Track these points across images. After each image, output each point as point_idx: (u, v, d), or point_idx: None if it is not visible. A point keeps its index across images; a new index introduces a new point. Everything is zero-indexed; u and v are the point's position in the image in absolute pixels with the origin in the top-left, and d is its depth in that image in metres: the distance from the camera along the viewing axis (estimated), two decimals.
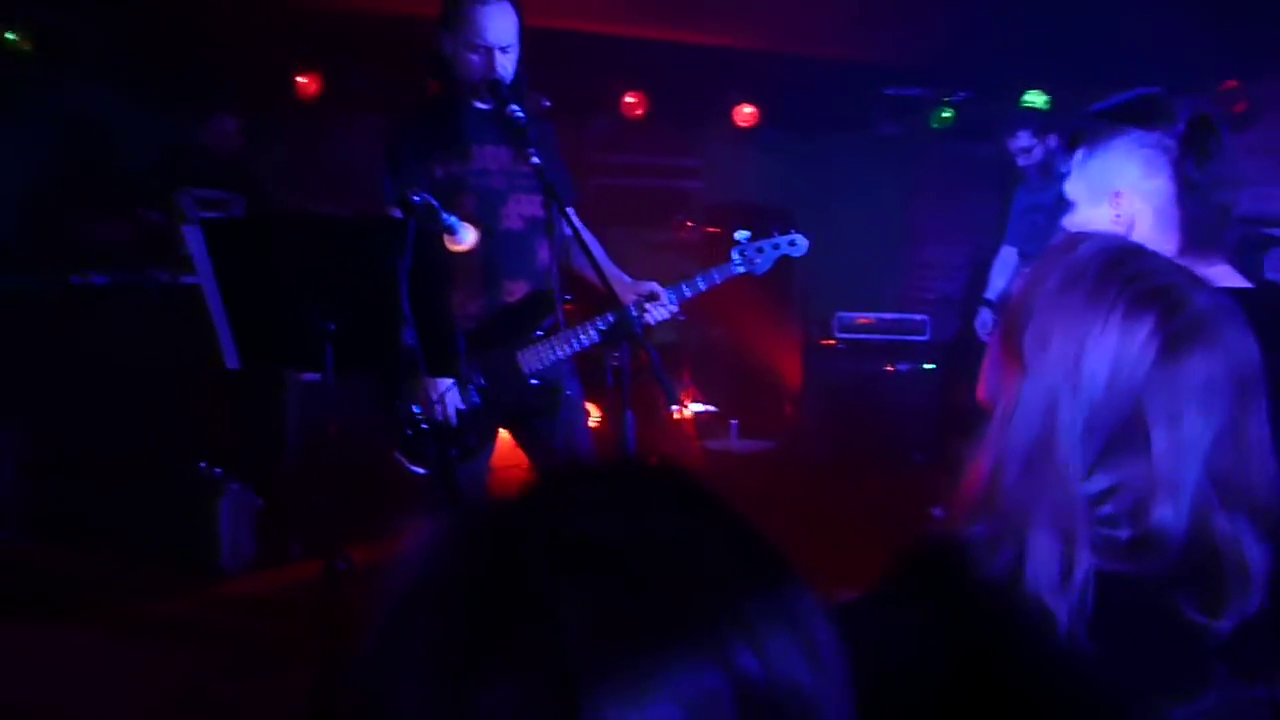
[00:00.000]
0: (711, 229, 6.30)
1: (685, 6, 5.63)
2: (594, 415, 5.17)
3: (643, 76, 6.50)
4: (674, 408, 2.13)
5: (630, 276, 2.89)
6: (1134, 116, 1.67)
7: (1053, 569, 0.97)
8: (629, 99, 6.42)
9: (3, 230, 5.68)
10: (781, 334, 7.04)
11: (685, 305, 6.15)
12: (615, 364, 2.50)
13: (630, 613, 0.50)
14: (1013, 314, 1.10)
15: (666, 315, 2.83)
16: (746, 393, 6.83)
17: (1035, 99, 6.14)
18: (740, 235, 2.93)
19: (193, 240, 2.08)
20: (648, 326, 2.60)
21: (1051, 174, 4.86)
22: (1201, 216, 1.64)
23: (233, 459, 4.17)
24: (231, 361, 2.26)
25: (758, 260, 2.95)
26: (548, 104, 6.25)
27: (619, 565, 0.51)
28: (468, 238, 2.42)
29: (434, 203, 2.26)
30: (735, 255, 2.93)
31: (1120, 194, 1.64)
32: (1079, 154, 1.71)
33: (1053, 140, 4.86)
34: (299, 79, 5.74)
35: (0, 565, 4.00)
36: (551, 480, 0.60)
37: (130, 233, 4.91)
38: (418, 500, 2.98)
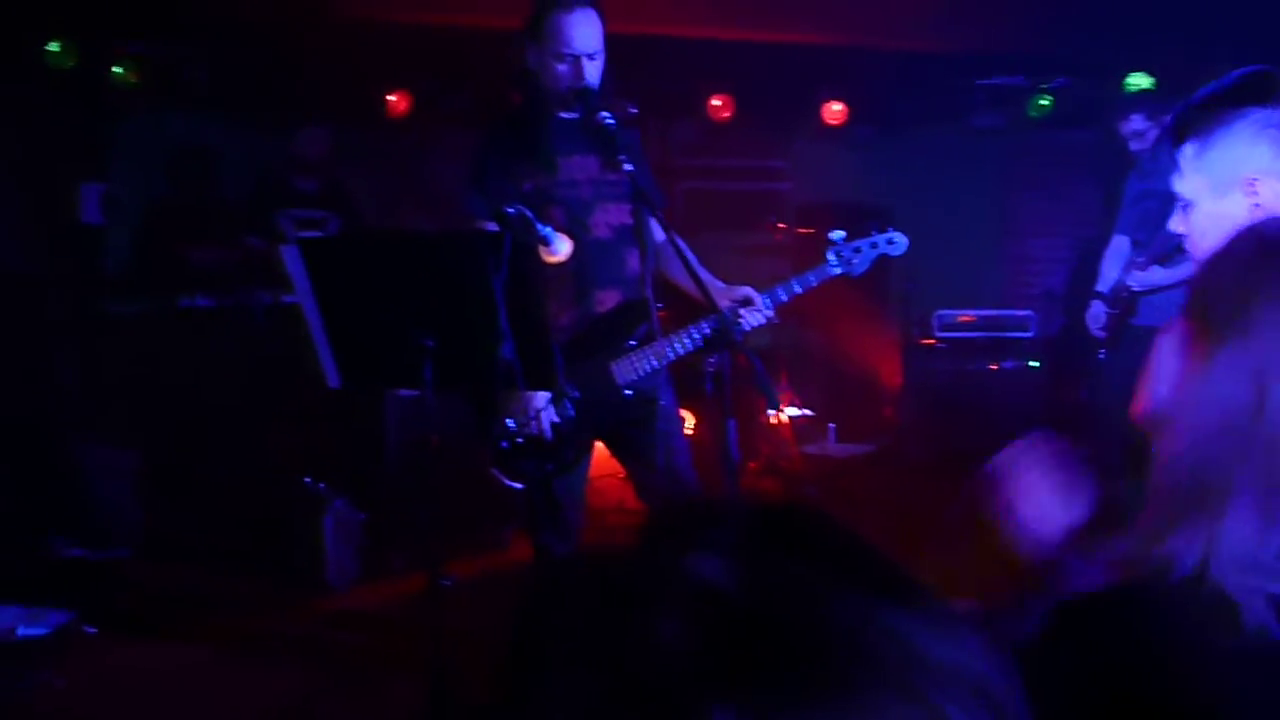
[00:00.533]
0: (804, 230, 6.19)
1: (769, 5, 5.55)
2: (689, 422, 5.13)
3: (729, 78, 6.43)
4: (771, 412, 2.08)
5: (723, 282, 2.83)
6: (1251, 95, 1.54)
7: (1248, 548, 0.90)
8: (715, 102, 6.35)
9: (116, 257, 5.91)
10: (879, 334, 6.89)
11: (780, 308, 6.09)
12: (713, 370, 2.44)
13: (788, 695, 0.44)
14: (1200, 294, 1.02)
15: (762, 320, 2.76)
16: (844, 396, 6.69)
17: (1140, 81, 5.88)
18: (835, 235, 2.85)
19: (290, 260, 2.10)
20: (745, 332, 2.53)
21: (1165, 158, 4.62)
22: None
23: (336, 474, 4.24)
24: (333, 380, 2.27)
25: (855, 260, 2.87)
26: (634, 110, 6.25)
27: (767, 635, 0.45)
28: (563, 248, 2.39)
29: (529, 214, 2.24)
30: (831, 256, 2.85)
31: (1256, 180, 1.51)
32: (1189, 147, 1.57)
33: (1168, 121, 4.61)
34: (389, 98, 5.82)
35: (115, 583, 4.11)
36: (676, 525, 0.54)
37: (233, 257, 5.05)
38: (516, 514, 2.97)
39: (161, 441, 4.66)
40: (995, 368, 6.06)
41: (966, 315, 6.20)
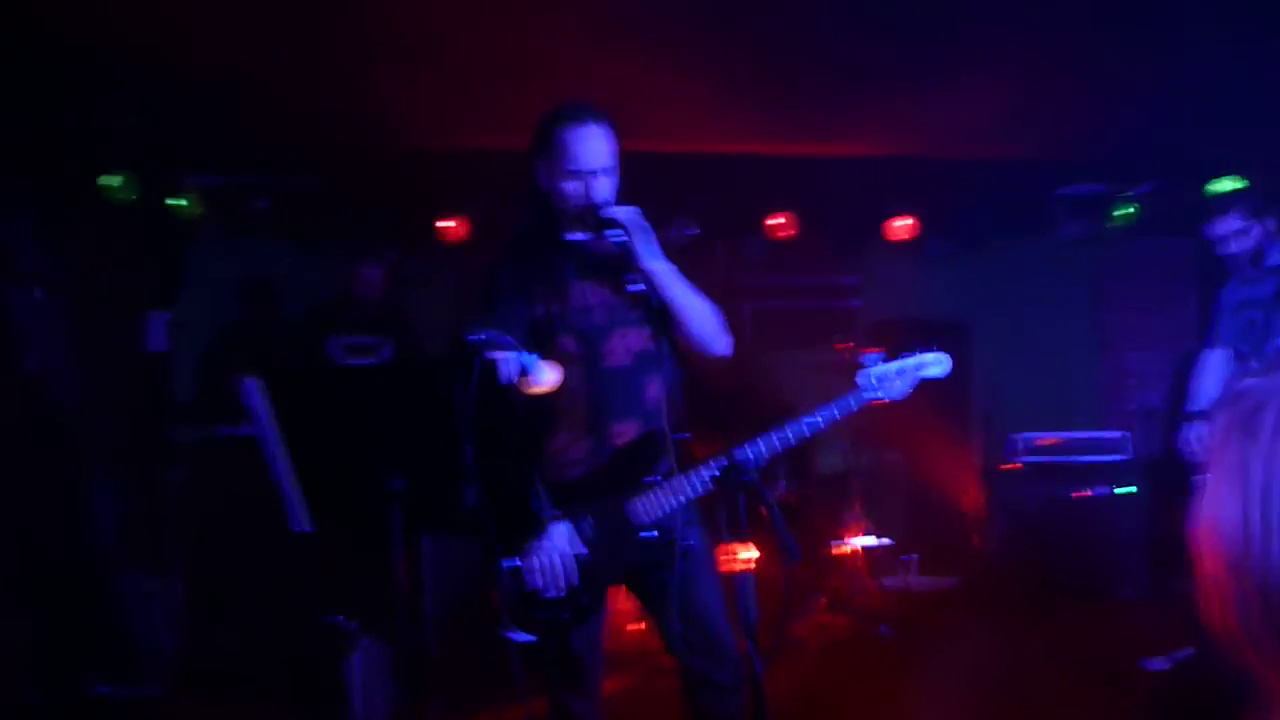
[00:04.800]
0: (871, 350, 5.90)
1: (832, 120, 5.42)
2: (751, 555, 4.79)
3: (793, 195, 6.28)
4: (791, 564, 1.85)
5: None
6: None
7: None
8: (778, 220, 6.19)
9: (182, 385, 5.95)
10: (962, 459, 6.49)
11: (856, 430, 5.76)
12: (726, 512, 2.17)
13: None
14: None
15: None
16: (926, 524, 6.27)
17: (1231, 185, 5.52)
18: (869, 358, 2.59)
19: (251, 393, 1.93)
20: (766, 470, 2.25)
21: (1267, 264, 4.23)
22: None
23: (368, 613, 4.04)
24: (301, 523, 2.08)
25: (896, 384, 2.60)
26: (695, 231, 6.13)
27: None
28: (547, 377, 2.18)
29: (504, 339, 2.04)
30: (862, 380, 2.59)
31: None
32: None
33: (1272, 223, 4.24)
34: (448, 223, 5.82)
35: None
36: None
37: None
38: (531, 667, 2.69)
39: (205, 572, 4.57)
40: (1087, 493, 5.58)
41: (1049, 437, 5.77)
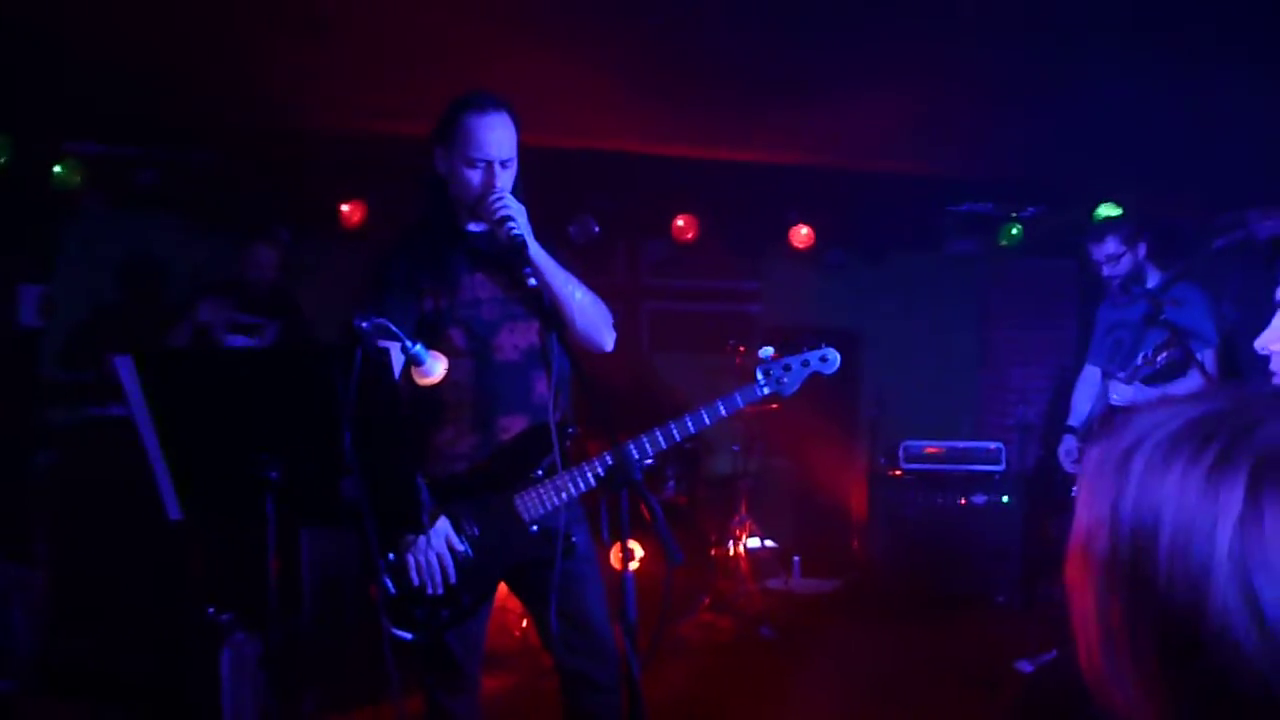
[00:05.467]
0: (763, 347, 5.98)
1: (739, 126, 5.47)
2: (637, 555, 4.81)
3: (698, 199, 6.32)
4: (674, 564, 1.86)
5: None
6: None
7: None
8: (680, 222, 6.22)
9: (53, 364, 5.68)
10: (848, 465, 6.63)
11: (746, 433, 5.83)
12: (607, 510, 2.16)
13: None
14: None
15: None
16: (811, 528, 6.39)
17: (1110, 211, 5.77)
18: (764, 353, 2.63)
19: (123, 372, 1.85)
20: (654, 471, 2.25)
21: (1136, 289, 4.43)
22: None
23: (242, 606, 3.90)
24: (172, 511, 1.99)
25: (785, 379, 2.65)
26: (597, 229, 6.12)
27: None
28: (437, 369, 2.15)
29: (392, 327, 2.00)
30: (760, 375, 2.63)
31: None
32: None
33: (1142, 249, 4.44)
34: (343, 207, 5.68)
35: None
36: None
37: None
38: (409, 665, 2.64)
39: (64, 561, 4.35)
40: (965, 502, 5.76)
41: (934, 446, 5.94)
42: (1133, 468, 0.66)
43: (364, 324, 1.86)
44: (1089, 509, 0.69)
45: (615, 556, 4.90)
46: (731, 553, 5.51)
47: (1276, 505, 0.60)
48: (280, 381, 1.83)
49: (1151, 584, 0.64)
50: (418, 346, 2.11)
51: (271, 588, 1.86)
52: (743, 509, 5.61)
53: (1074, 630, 0.72)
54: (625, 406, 4.60)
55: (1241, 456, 0.62)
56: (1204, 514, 0.62)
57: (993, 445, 5.99)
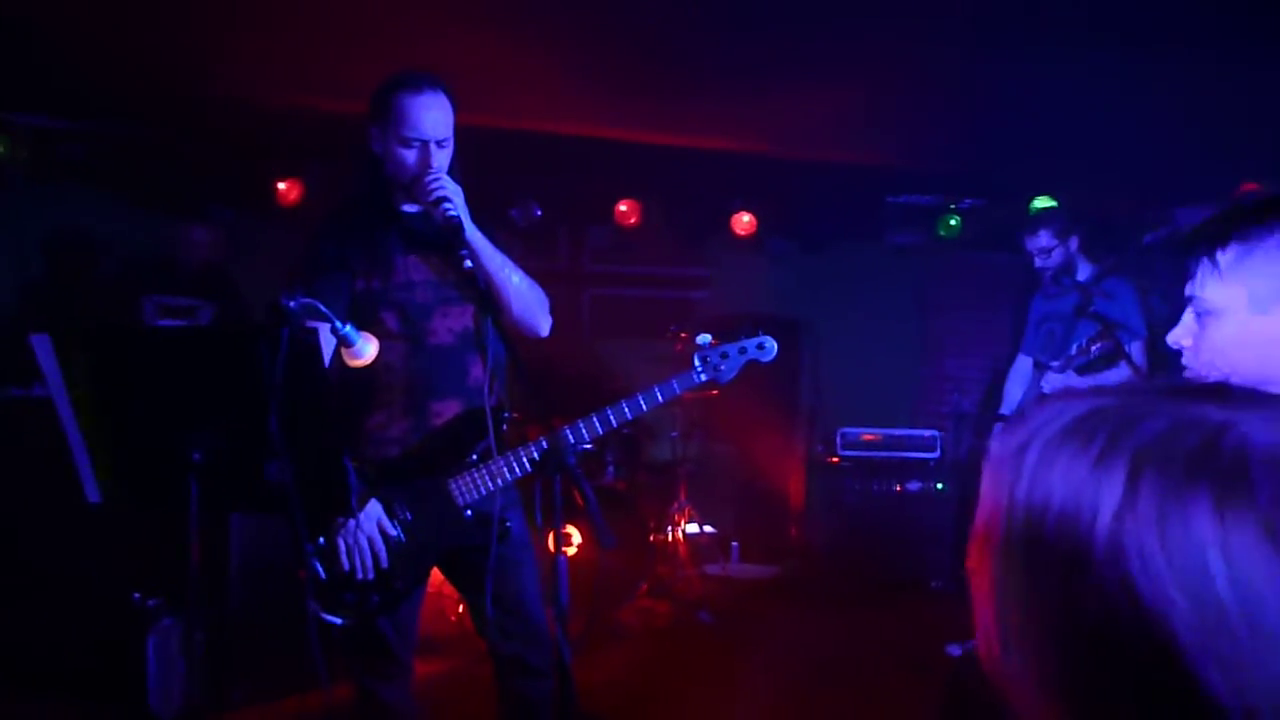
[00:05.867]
0: (701, 334, 6.00)
1: (685, 112, 5.46)
2: (575, 540, 4.80)
3: (643, 184, 6.31)
4: (608, 549, 1.85)
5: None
6: None
7: None
8: (623, 207, 6.21)
9: None
10: (788, 451, 6.68)
11: (686, 419, 5.84)
12: (541, 496, 2.15)
13: None
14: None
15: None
16: (750, 514, 6.43)
17: (1045, 205, 5.87)
18: (702, 340, 2.63)
19: (40, 351, 1.79)
20: (581, 454, 2.23)
21: (1067, 281, 4.52)
22: None
23: (168, 591, 3.82)
24: (91, 494, 1.94)
25: (722, 367, 2.65)
26: (539, 212, 6.08)
27: None
28: (368, 350, 2.11)
29: (321, 308, 1.96)
30: (697, 362, 2.63)
31: None
32: (1229, 252, 1.37)
33: (1074, 242, 4.53)
34: (280, 185, 5.57)
35: None
36: None
37: None
38: (340, 651, 2.60)
39: None
40: (900, 489, 5.84)
41: (871, 434, 6.01)
42: (1026, 460, 0.69)
43: (290, 304, 1.82)
44: (988, 499, 0.72)
45: (549, 542, 4.89)
46: (670, 538, 5.53)
47: (1151, 494, 0.63)
48: (204, 361, 1.78)
49: (1041, 570, 0.67)
50: (348, 327, 2.07)
51: (193, 572, 1.82)
52: (682, 495, 5.64)
53: (974, 618, 0.74)
54: (567, 392, 4.58)
55: (1122, 449, 0.65)
56: (1088, 502, 0.65)
57: (928, 433, 6.07)
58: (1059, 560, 0.65)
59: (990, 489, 0.73)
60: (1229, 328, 1.37)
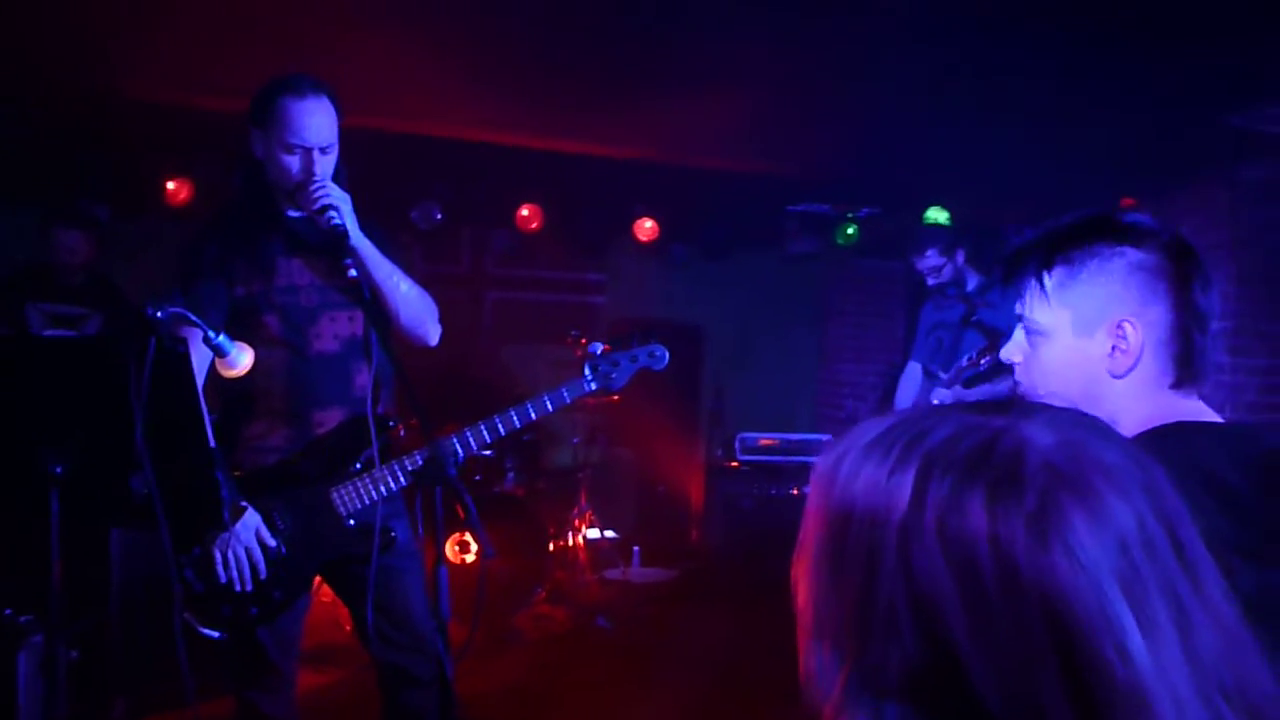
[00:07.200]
0: (605, 346, 6.02)
1: (586, 118, 5.47)
2: (473, 548, 4.77)
3: (544, 189, 6.30)
4: (488, 559, 1.86)
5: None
6: (1124, 233, 1.40)
7: None
8: (525, 212, 6.19)
9: None
10: (689, 456, 6.75)
11: (588, 424, 5.85)
12: (421, 507, 2.14)
13: None
14: None
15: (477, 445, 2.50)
16: (651, 518, 6.47)
17: (937, 215, 6.05)
18: (594, 348, 2.65)
19: None
20: (461, 465, 2.22)
21: (953, 291, 4.68)
22: (1203, 347, 1.39)
23: (42, 607, 3.67)
24: None
25: (613, 375, 2.66)
26: (439, 215, 6.02)
27: None
28: (242, 360, 2.07)
29: (191, 316, 1.92)
30: (587, 370, 2.64)
31: (1124, 323, 1.37)
32: (1055, 274, 1.41)
33: (960, 256, 4.70)
34: (169, 185, 5.41)
35: None
36: None
37: None
38: (220, 664, 2.55)
39: None
40: (798, 492, 5.95)
41: (768, 438, 6.11)
42: (839, 474, 0.73)
43: (158, 314, 1.78)
44: (809, 510, 0.76)
45: (452, 549, 4.85)
46: (570, 544, 5.53)
47: (935, 492, 0.68)
48: (66, 372, 1.73)
49: (844, 569, 0.71)
50: (220, 336, 2.03)
51: (55, 587, 1.76)
52: (582, 500, 5.64)
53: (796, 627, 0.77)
54: (465, 398, 4.55)
55: (914, 455, 0.71)
56: (882, 504, 0.70)
57: (824, 438, 6.19)
58: (860, 561, 0.70)
59: (810, 503, 0.77)
60: (1055, 349, 1.43)
